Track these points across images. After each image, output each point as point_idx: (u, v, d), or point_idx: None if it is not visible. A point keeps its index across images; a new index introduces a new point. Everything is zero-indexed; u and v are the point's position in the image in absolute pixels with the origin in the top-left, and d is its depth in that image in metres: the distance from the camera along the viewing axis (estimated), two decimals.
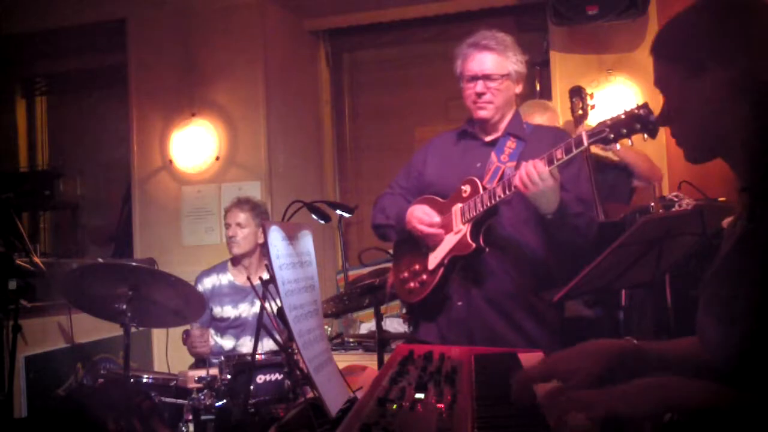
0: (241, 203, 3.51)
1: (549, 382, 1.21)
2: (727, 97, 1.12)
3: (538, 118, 3.22)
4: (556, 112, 3.43)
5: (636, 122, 1.89)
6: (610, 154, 3.17)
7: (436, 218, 2.29)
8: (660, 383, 1.00)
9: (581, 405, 0.99)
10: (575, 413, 1.00)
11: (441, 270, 2.28)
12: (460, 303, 2.31)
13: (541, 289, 2.33)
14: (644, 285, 2.65)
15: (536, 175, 2.01)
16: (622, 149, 3.17)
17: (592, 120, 3.54)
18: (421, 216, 2.30)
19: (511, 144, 2.33)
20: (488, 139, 2.40)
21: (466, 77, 2.34)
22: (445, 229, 2.29)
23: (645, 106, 1.89)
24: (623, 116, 1.92)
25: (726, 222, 2.23)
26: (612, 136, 1.93)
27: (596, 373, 1.20)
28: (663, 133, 3.52)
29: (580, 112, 3.21)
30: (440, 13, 4.57)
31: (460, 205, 2.27)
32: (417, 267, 2.37)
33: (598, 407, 0.98)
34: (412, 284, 2.39)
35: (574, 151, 2.00)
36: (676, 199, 2.74)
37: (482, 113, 2.34)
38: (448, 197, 2.34)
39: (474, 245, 2.19)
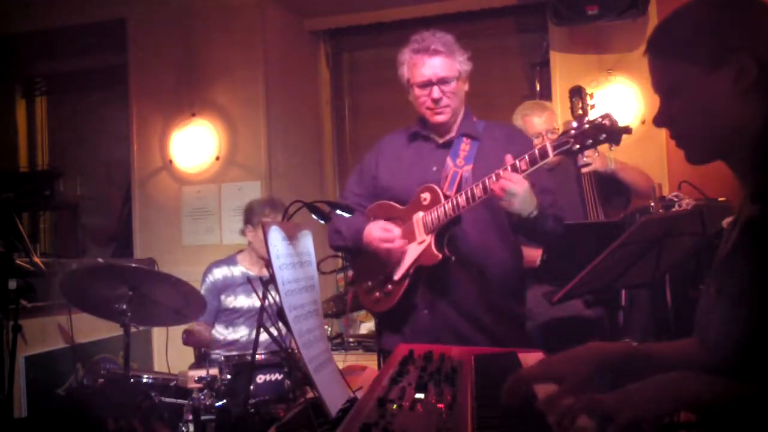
0: (276, 207, 3.37)
1: (544, 383, 1.20)
2: (737, 95, 1.09)
3: (536, 118, 3.23)
4: (554, 112, 3.43)
5: (600, 132, 1.88)
6: (609, 166, 3.18)
7: (397, 230, 2.24)
8: (673, 378, 0.99)
9: (588, 405, 0.98)
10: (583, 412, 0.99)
11: (407, 280, 2.26)
12: (425, 311, 2.28)
13: (507, 290, 2.32)
14: (644, 285, 2.65)
15: (515, 184, 1.96)
16: (620, 169, 3.19)
17: None
18: (382, 234, 2.24)
19: (465, 146, 2.29)
20: (442, 141, 2.35)
21: (417, 84, 2.28)
22: (407, 239, 2.25)
23: (608, 116, 1.89)
24: (587, 126, 1.91)
25: (726, 222, 2.23)
26: (577, 146, 1.92)
27: (591, 376, 1.19)
28: (662, 133, 3.53)
29: (580, 112, 3.21)
30: (440, 13, 4.57)
31: (421, 213, 2.23)
32: (381, 277, 2.33)
33: (607, 405, 0.97)
34: (377, 294, 2.35)
35: (539, 163, 1.97)
36: (676, 199, 2.75)
37: (440, 118, 2.29)
38: (406, 203, 2.30)
39: (440, 256, 2.17)
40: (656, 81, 1.20)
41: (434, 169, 2.30)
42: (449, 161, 2.29)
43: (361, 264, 2.45)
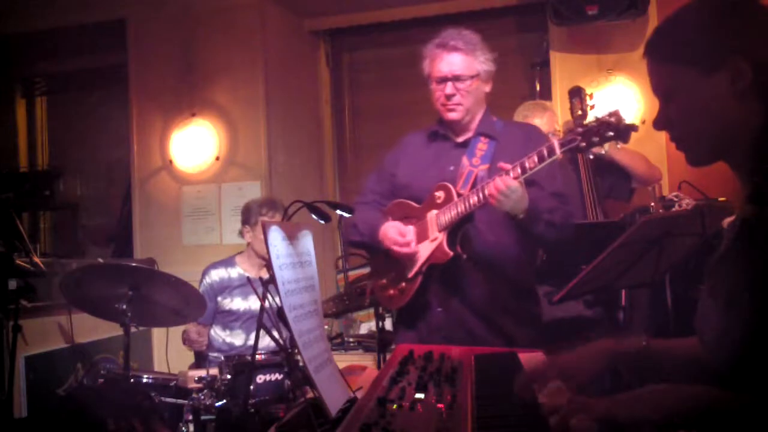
0: (275, 207, 3.38)
1: (554, 380, 1.21)
2: (734, 96, 1.09)
3: (537, 119, 3.22)
4: (554, 113, 3.43)
5: (607, 130, 1.90)
6: (607, 154, 3.17)
7: (411, 236, 2.26)
8: (661, 390, 1.00)
9: (581, 407, 1.00)
10: (576, 414, 1.00)
11: (419, 278, 2.27)
12: (439, 309, 2.29)
13: (519, 289, 2.32)
14: (644, 285, 2.65)
15: (506, 188, 2.00)
16: (618, 152, 3.18)
17: None
18: (396, 237, 2.26)
19: (482, 146, 2.31)
20: (459, 140, 2.36)
21: (434, 79, 2.29)
22: (420, 237, 2.26)
23: (616, 113, 1.90)
24: (594, 124, 1.92)
25: (726, 222, 2.23)
26: (584, 144, 1.93)
27: (600, 373, 1.20)
28: (662, 133, 3.52)
29: (579, 112, 3.21)
30: (440, 13, 4.57)
31: (434, 212, 2.24)
32: (395, 274, 2.35)
33: (597, 410, 0.98)
34: (391, 291, 2.37)
35: (547, 160, 1.99)
36: (676, 199, 2.75)
37: (452, 115, 2.30)
38: (422, 201, 2.32)
39: (452, 253, 2.18)
40: (655, 84, 1.20)
41: (451, 168, 2.32)
42: (465, 160, 2.30)
43: (377, 261, 2.47)
